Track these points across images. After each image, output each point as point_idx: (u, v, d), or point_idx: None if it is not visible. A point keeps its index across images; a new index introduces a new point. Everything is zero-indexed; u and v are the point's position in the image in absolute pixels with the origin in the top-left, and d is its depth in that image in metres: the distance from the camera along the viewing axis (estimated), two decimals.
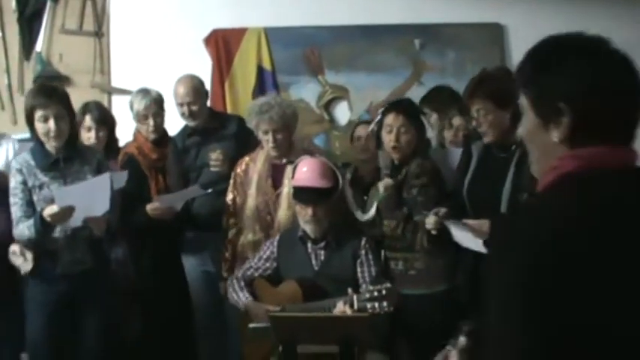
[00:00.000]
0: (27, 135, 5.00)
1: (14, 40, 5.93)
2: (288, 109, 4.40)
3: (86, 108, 4.61)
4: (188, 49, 5.87)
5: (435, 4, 5.83)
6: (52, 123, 3.78)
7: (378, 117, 4.20)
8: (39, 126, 3.82)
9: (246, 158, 4.48)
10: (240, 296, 4.06)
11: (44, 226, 3.69)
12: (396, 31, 5.88)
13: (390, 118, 4.09)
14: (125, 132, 4.94)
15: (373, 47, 5.88)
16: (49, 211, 3.64)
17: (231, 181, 4.47)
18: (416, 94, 5.49)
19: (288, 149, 4.38)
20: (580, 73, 1.61)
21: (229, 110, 5.72)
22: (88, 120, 4.55)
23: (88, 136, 4.55)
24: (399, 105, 4.22)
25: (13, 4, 5.89)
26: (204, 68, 5.69)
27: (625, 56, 1.67)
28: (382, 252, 4.12)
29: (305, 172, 4.08)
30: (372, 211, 4.12)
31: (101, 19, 5.97)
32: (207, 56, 5.91)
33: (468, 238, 3.61)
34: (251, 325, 3.86)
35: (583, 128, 1.58)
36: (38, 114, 3.80)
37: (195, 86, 4.73)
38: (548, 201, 1.62)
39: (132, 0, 5.94)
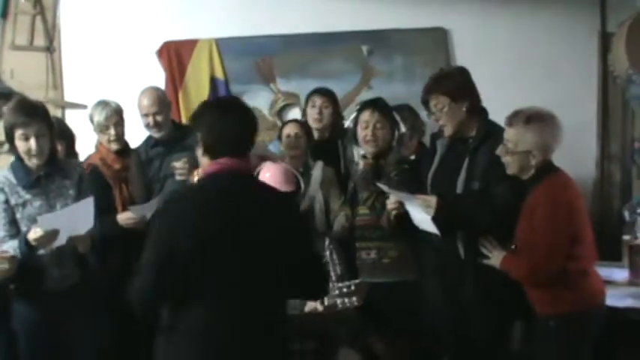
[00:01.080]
0: None
1: None
2: None
3: None
4: (140, 62, 5.95)
5: (381, 11, 5.97)
6: (32, 142, 3.74)
7: (354, 114, 4.39)
8: (20, 144, 3.77)
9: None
10: None
11: (29, 248, 3.65)
12: (344, 38, 6.02)
13: (366, 115, 4.30)
14: (80, 146, 4.98)
15: (323, 54, 6.02)
16: (34, 235, 3.60)
17: None
18: (365, 98, 5.60)
19: None
20: (209, 119, 2.98)
21: (184, 120, 5.76)
22: None
23: None
24: (374, 102, 4.44)
25: None
26: (157, 80, 5.74)
27: (241, 109, 3.05)
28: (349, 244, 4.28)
29: (268, 177, 4.17)
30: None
31: (52, 34, 6.00)
32: (159, 68, 6.00)
33: (422, 218, 3.83)
34: None
35: (210, 147, 2.97)
36: (18, 132, 3.75)
37: (160, 97, 4.80)
38: (198, 187, 3.27)
39: (82, 14, 5.98)
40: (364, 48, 6.03)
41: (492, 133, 3.85)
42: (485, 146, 3.84)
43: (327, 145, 5.01)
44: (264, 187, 3.24)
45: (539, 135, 3.50)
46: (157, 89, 4.91)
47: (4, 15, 5.94)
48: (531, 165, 3.54)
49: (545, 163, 3.56)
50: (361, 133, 4.30)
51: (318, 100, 5.10)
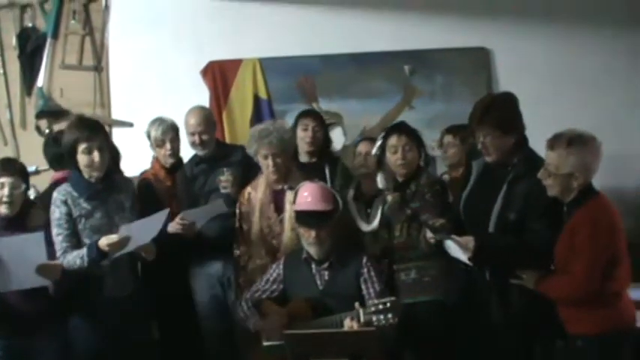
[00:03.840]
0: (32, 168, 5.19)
1: (15, 77, 6.11)
2: (286, 134, 4.55)
3: None
4: (185, 81, 6.05)
5: (422, 31, 6.02)
6: (96, 155, 3.92)
7: (379, 141, 4.40)
8: (82, 158, 3.94)
9: (248, 188, 4.62)
10: (249, 316, 4.21)
11: (100, 256, 3.80)
12: (385, 58, 6.08)
13: (393, 140, 4.32)
14: (125, 164, 5.06)
15: (364, 74, 6.08)
16: (107, 240, 3.76)
17: (237, 211, 4.61)
18: (407, 118, 5.67)
19: (287, 174, 4.52)
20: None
21: (228, 139, 5.88)
22: None
23: None
24: (399, 127, 4.45)
25: (14, 41, 6.07)
26: (201, 99, 5.81)
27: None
28: (387, 266, 4.30)
29: (306, 196, 4.22)
30: (376, 222, 4.37)
31: (100, 54, 6.13)
32: (204, 87, 6.08)
33: (456, 249, 3.84)
34: (265, 344, 4.01)
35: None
36: (82, 146, 3.92)
37: (207, 116, 4.90)
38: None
39: (130, 35, 6.10)
40: (406, 68, 6.07)
41: (535, 164, 3.76)
42: (527, 177, 3.79)
43: (313, 167, 4.94)
44: None
45: (582, 157, 3.49)
46: (203, 108, 5.03)
47: (55, 36, 6.09)
48: (573, 187, 3.53)
49: (587, 186, 3.56)
50: (391, 158, 4.32)
51: (310, 123, 5.04)
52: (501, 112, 3.89)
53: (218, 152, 4.90)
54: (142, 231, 3.86)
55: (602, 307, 3.50)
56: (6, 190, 3.90)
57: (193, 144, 4.88)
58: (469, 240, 3.76)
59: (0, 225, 3.93)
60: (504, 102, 4.01)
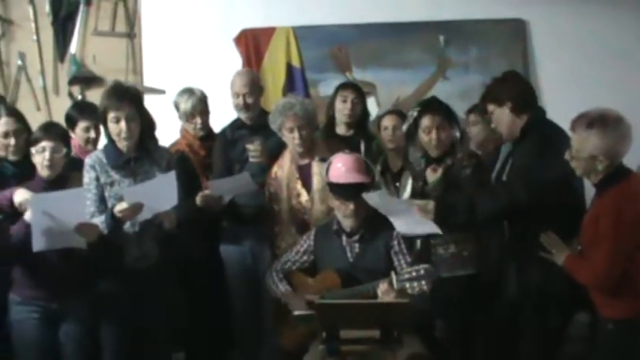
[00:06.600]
0: None
1: (48, 43, 6.12)
2: (309, 105, 4.53)
3: None
4: (218, 49, 6.03)
5: (458, 1, 5.96)
6: (123, 124, 3.90)
7: (412, 118, 4.31)
8: (111, 126, 3.94)
9: (275, 167, 4.57)
10: (280, 287, 4.20)
11: (115, 222, 3.81)
12: (420, 28, 6.03)
13: (427, 120, 4.20)
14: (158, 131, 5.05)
15: (399, 44, 6.03)
16: (119, 207, 3.76)
17: (266, 192, 4.58)
18: (441, 89, 5.67)
19: (312, 146, 4.49)
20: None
21: None
22: None
23: None
24: (432, 105, 4.32)
25: (47, 7, 6.08)
26: (234, 67, 5.71)
27: None
28: (419, 241, 4.24)
29: (340, 167, 4.16)
30: (406, 195, 4.35)
31: (133, 20, 6.13)
32: (237, 55, 6.06)
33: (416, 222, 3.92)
34: (296, 313, 3.99)
35: None
36: (110, 115, 3.92)
37: (253, 79, 4.87)
38: None
39: (163, 1, 6.09)
40: (441, 38, 6.02)
41: (533, 129, 3.90)
42: (524, 142, 3.88)
43: (348, 140, 4.91)
44: None
45: (603, 139, 3.31)
46: (252, 72, 5.08)
47: (88, 2, 6.09)
48: (599, 169, 3.38)
49: (614, 169, 3.40)
50: (425, 138, 4.21)
51: (350, 95, 5.02)
52: (489, 88, 4.06)
53: (261, 119, 4.82)
54: (155, 196, 3.82)
55: (633, 292, 3.37)
56: (47, 154, 3.88)
57: (237, 106, 4.83)
58: (427, 202, 3.86)
59: (41, 186, 3.91)
60: (501, 78, 4.14)
